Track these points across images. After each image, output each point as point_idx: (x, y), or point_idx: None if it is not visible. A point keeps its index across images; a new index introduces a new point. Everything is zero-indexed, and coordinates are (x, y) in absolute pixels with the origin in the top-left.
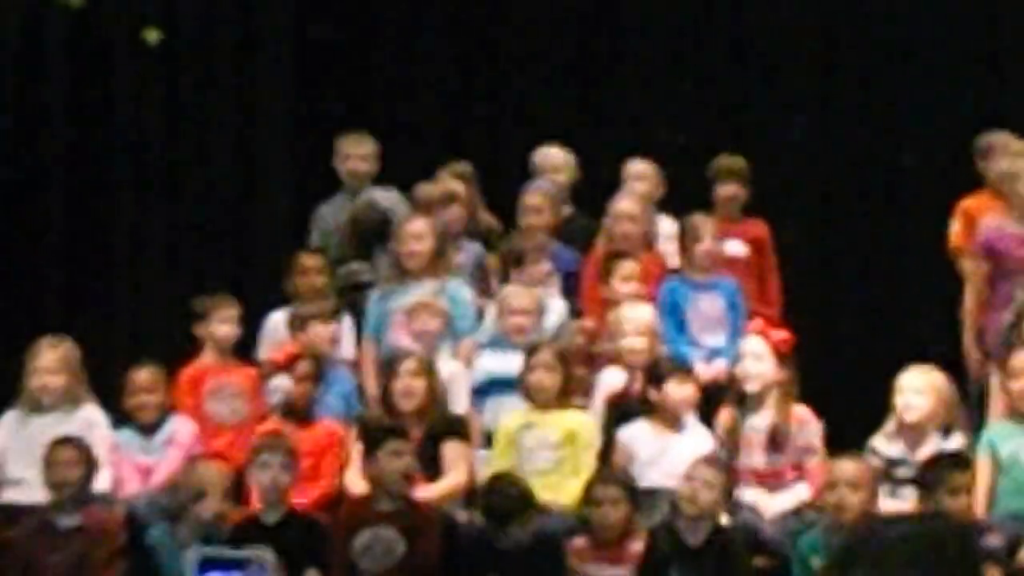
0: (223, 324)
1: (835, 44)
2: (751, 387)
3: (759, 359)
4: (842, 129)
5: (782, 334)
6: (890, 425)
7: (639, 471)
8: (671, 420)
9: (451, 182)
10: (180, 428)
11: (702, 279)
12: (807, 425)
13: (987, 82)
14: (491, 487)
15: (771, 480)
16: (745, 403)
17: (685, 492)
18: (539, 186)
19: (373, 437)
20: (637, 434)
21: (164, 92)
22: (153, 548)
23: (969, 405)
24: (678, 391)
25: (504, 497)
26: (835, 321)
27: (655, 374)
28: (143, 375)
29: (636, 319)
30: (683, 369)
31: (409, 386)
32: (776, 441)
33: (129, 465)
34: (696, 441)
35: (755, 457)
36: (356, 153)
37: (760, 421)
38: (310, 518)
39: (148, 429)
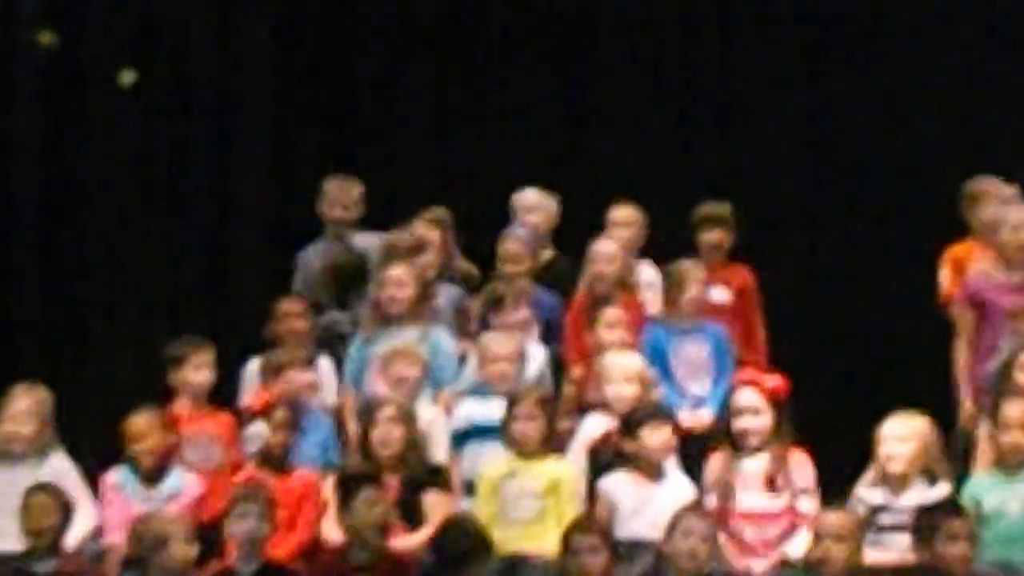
0: (198, 370)
1: (821, 88)
2: (752, 442)
3: (757, 413)
4: (829, 173)
5: (775, 380)
6: (873, 472)
7: (620, 522)
8: (650, 469)
9: (423, 228)
10: (188, 487)
11: (687, 325)
12: (803, 467)
13: (974, 128)
14: (445, 530)
15: (766, 522)
16: (739, 449)
17: (681, 547)
18: (516, 233)
19: (350, 486)
20: (617, 484)
21: (139, 133)
22: None
23: (954, 456)
24: (654, 437)
25: (457, 540)
26: (821, 369)
27: (631, 422)
28: (140, 421)
29: (624, 366)
30: (658, 415)
31: (387, 433)
32: (772, 483)
33: (126, 512)
34: (678, 490)
35: (750, 500)
36: (342, 198)
37: (756, 464)
38: (286, 570)
39: (150, 477)
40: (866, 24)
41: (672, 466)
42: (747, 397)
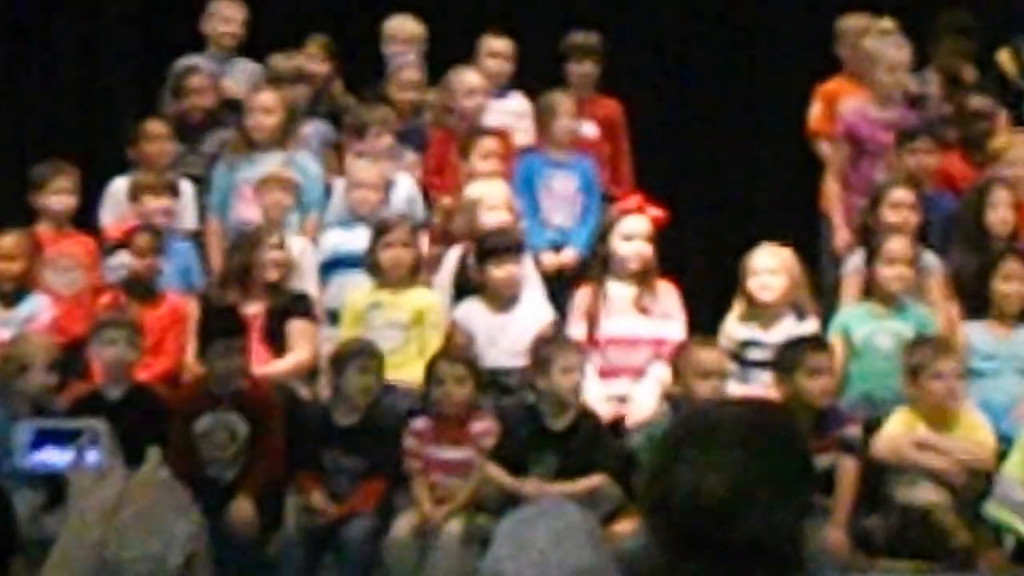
0: (59, 194)
1: None
2: (633, 267)
3: (644, 240)
4: (700, 4)
5: (658, 211)
6: (740, 307)
7: (479, 351)
8: (501, 298)
9: (305, 58)
10: (43, 311)
11: (558, 157)
12: (670, 295)
13: None
14: (341, 360)
15: (633, 346)
16: (612, 274)
17: (555, 382)
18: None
19: (212, 316)
20: (470, 313)
21: None
22: None
23: (822, 290)
24: (500, 270)
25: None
26: (687, 202)
27: (481, 251)
28: (7, 241)
29: (492, 195)
30: (507, 248)
31: (273, 258)
32: (642, 310)
33: None
34: (532, 316)
35: (618, 324)
36: (228, 16)
37: (625, 291)
38: (153, 394)
39: (7, 299)
40: None
41: (531, 291)
42: (637, 223)
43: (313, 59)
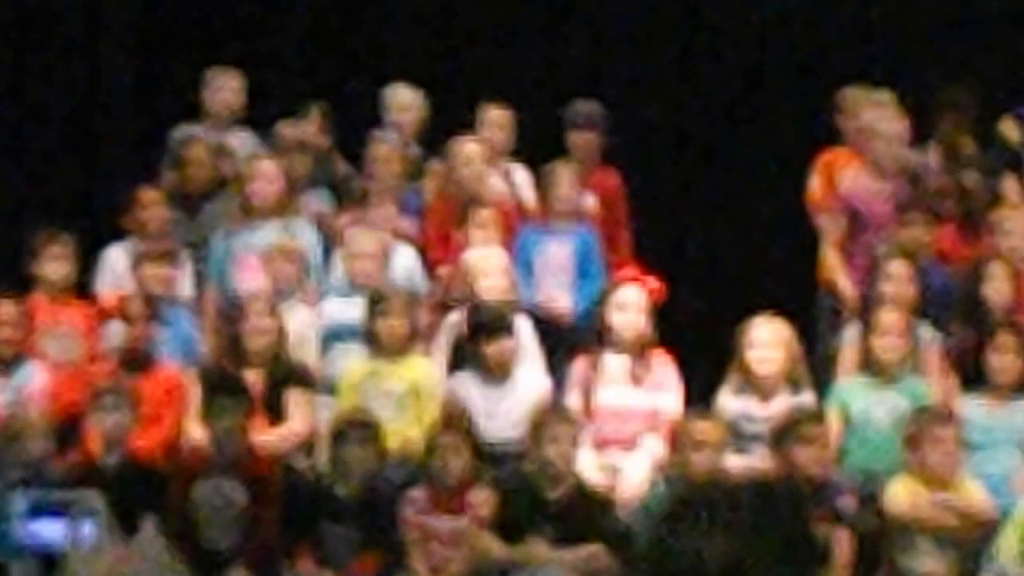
0: (55, 261)
1: None
2: (627, 338)
3: (638, 311)
4: (702, 77)
5: (655, 282)
6: (736, 379)
7: (475, 422)
8: (495, 371)
9: (311, 125)
10: (38, 380)
11: (557, 226)
12: (666, 367)
13: (848, 35)
14: (340, 434)
15: (628, 418)
16: (606, 344)
17: (549, 454)
18: (385, 135)
19: (212, 383)
20: (465, 386)
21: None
22: None
23: (815, 362)
24: (492, 349)
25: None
26: (686, 273)
27: (474, 326)
28: (3, 309)
29: (489, 262)
30: (498, 326)
31: (258, 326)
32: (637, 380)
33: None
34: (528, 388)
35: (613, 394)
36: (226, 86)
37: (621, 361)
38: (149, 464)
39: (3, 367)
40: None
41: (527, 362)
42: (630, 294)
43: (313, 128)
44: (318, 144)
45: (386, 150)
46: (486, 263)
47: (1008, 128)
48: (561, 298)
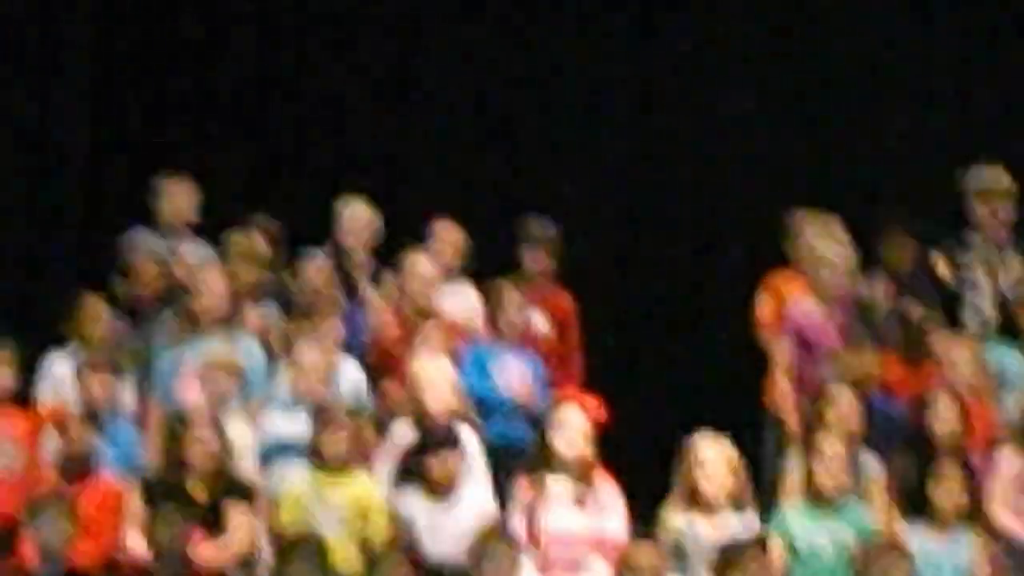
0: None
1: (645, 113)
2: (568, 458)
3: (576, 431)
4: (652, 198)
5: (596, 404)
6: (681, 496)
7: (420, 541)
8: (441, 488)
9: (256, 237)
10: None
11: (507, 345)
12: (610, 488)
13: (803, 156)
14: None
15: (573, 543)
16: (549, 465)
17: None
18: (318, 254)
19: (154, 495)
20: (410, 503)
21: None
22: None
23: (761, 485)
24: (437, 464)
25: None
26: (630, 393)
27: (423, 442)
28: None
29: (435, 374)
30: (446, 442)
31: (200, 439)
32: (581, 503)
33: None
34: (472, 508)
35: (558, 519)
36: (179, 196)
37: (565, 484)
38: None
39: None
40: (693, 48)
41: (474, 481)
42: (568, 414)
43: (261, 240)
44: (266, 255)
45: (319, 265)
46: (433, 374)
47: (939, 263)
48: (527, 387)
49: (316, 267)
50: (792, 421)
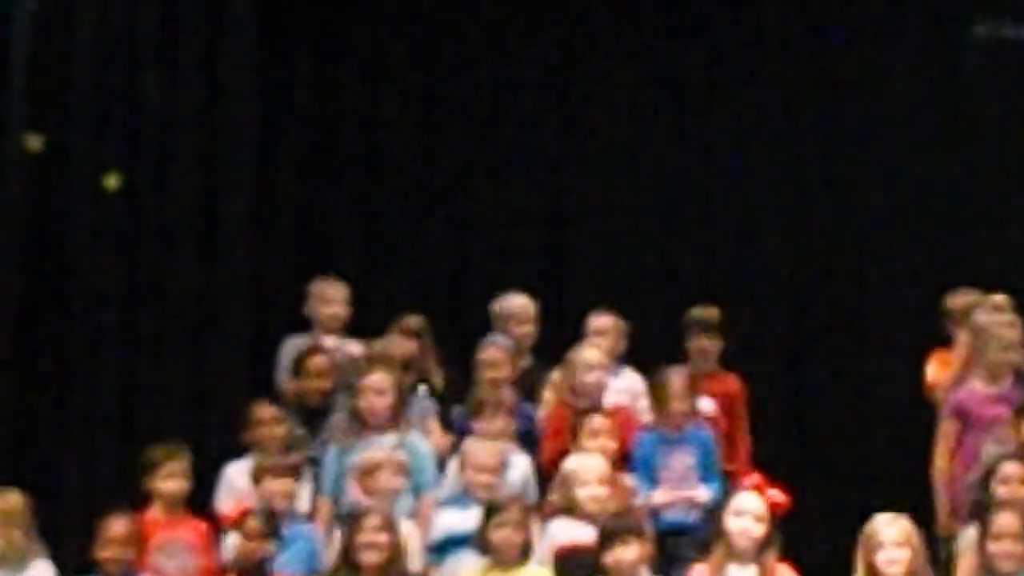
0: (171, 477)
1: (804, 192)
2: (744, 546)
3: (757, 520)
4: (817, 278)
5: (779, 494)
6: None
7: None
8: None
9: (399, 338)
10: None
11: (674, 434)
12: (787, 574)
13: (957, 238)
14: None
15: None
16: (729, 554)
17: None
18: (496, 340)
19: None
20: None
21: (123, 238)
22: None
23: (936, 563)
24: (626, 554)
25: None
26: (805, 479)
27: (605, 533)
28: (119, 526)
29: (587, 469)
30: (631, 530)
31: (372, 541)
32: None
33: None
34: None
35: None
36: (334, 297)
37: (741, 572)
38: None
39: None
40: (851, 131)
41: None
42: (751, 501)
43: (406, 338)
44: (416, 358)
45: (496, 354)
46: (584, 470)
47: None
48: (698, 488)
49: (492, 357)
50: (942, 503)
